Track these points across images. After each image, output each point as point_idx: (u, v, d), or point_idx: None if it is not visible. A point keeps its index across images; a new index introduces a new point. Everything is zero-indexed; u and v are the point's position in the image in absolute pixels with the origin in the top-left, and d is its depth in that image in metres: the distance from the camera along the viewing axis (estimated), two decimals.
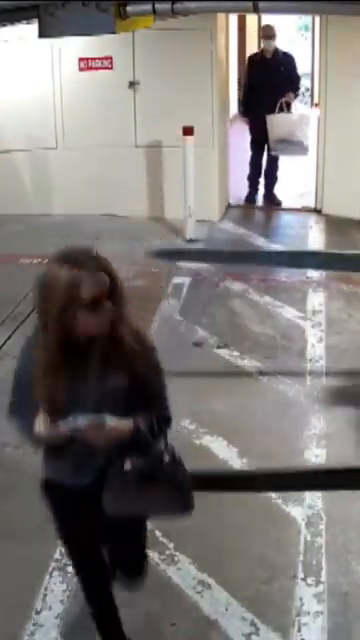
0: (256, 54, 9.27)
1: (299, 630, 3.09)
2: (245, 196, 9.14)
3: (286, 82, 8.61)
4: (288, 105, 8.57)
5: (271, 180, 9.03)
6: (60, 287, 2.28)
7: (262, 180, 9.08)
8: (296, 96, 8.98)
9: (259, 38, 11.46)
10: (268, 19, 11.23)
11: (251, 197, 9.12)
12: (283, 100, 8.49)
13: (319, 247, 7.60)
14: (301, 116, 8.71)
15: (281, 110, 8.50)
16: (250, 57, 9.51)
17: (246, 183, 9.11)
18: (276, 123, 8.45)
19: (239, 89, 11.71)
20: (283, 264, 6.19)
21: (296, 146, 8.50)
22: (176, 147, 7.82)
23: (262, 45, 9.01)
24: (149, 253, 6.52)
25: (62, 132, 8.58)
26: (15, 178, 8.71)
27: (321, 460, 4.19)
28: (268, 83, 8.53)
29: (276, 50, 8.70)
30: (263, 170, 9.03)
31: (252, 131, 8.96)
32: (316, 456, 4.23)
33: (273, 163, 8.92)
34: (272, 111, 8.48)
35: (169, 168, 8.29)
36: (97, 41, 7.62)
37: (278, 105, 8.45)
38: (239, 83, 12.24)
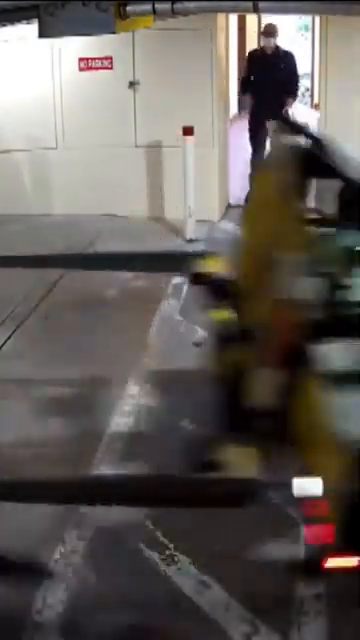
0: (256, 50, 9.28)
1: (299, 630, 3.09)
2: (245, 196, 9.12)
3: (286, 80, 8.60)
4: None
5: None
6: None
7: None
8: (295, 98, 8.95)
9: (259, 38, 11.46)
10: (268, 19, 11.22)
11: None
12: (286, 108, 8.48)
13: None
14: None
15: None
16: (250, 52, 9.56)
17: (246, 183, 9.09)
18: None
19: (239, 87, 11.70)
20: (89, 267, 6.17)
21: None
22: (176, 147, 7.82)
23: (262, 43, 9.02)
24: None
25: (62, 132, 8.58)
26: (15, 178, 8.70)
27: None
28: (268, 81, 8.52)
29: (277, 48, 8.69)
30: None
31: (251, 130, 8.92)
32: None
33: None
34: (272, 112, 8.45)
35: (169, 168, 8.29)
36: (97, 41, 7.62)
37: (284, 112, 8.43)
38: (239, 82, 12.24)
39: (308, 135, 3.13)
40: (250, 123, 8.97)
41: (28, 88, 8.41)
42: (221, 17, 8.16)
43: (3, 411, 4.69)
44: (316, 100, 11.14)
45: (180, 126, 7.61)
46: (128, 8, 3.86)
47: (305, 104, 15.21)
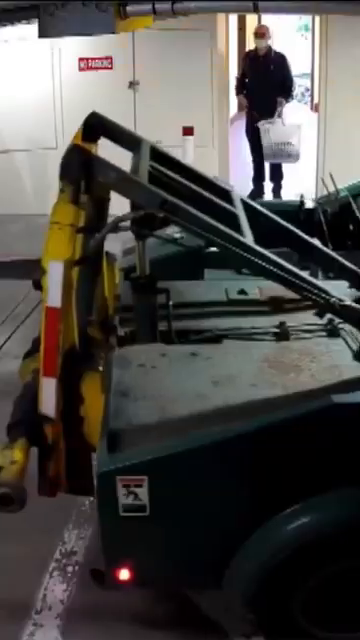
0: (251, 51, 9.35)
1: None
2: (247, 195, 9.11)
3: (277, 82, 8.60)
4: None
5: (277, 180, 8.99)
6: None
7: (267, 182, 9.09)
8: (290, 98, 8.92)
9: None
10: (268, 19, 11.25)
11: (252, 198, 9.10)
12: (279, 109, 8.48)
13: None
14: (293, 126, 8.64)
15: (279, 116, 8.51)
16: (245, 53, 9.75)
17: (246, 183, 9.10)
18: (270, 132, 8.42)
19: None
20: None
21: (287, 154, 8.47)
22: (176, 147, 7.80)
23: (254, 44, 9.07)
24: None
25: (62, 132, 8.57)
26: (15, 178, 8.71)
27: None
28: (259, 82, 8.59)
29: (270, 49, 8.71)
30: (267, 173, 9.04)
31: (248, 130, 8.94)
32: None
33: (277, 167, 8.89)
34: (264, 112, 8.44)
35: None
36: (97, 41, 7.62)
37: (277, 114, 8.43)
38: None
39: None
40: (246, 123, 9.00)
41: (28, 88, 8.41)
42: (221, 17, 8.17)
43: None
44: (316, 100, 11.15)
45: (180, 126, 7.62)
46: (128, 8, 3.84)
47: (305, 104, 15.23)
